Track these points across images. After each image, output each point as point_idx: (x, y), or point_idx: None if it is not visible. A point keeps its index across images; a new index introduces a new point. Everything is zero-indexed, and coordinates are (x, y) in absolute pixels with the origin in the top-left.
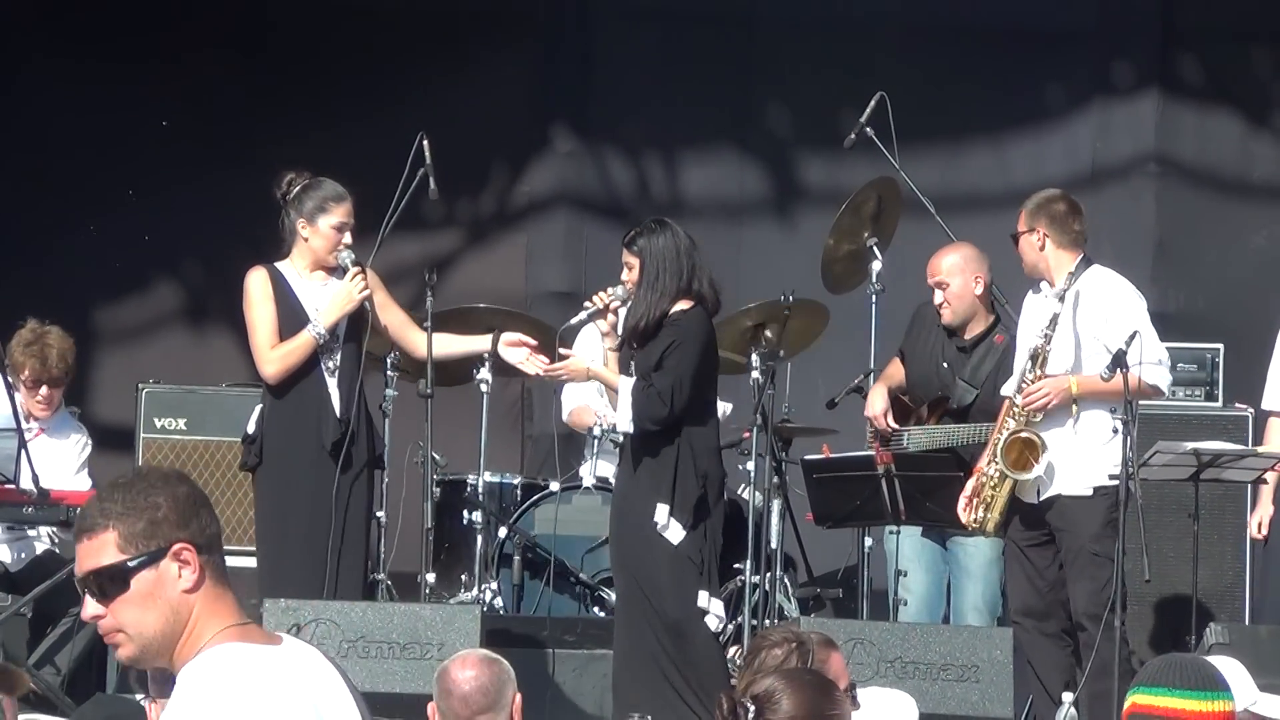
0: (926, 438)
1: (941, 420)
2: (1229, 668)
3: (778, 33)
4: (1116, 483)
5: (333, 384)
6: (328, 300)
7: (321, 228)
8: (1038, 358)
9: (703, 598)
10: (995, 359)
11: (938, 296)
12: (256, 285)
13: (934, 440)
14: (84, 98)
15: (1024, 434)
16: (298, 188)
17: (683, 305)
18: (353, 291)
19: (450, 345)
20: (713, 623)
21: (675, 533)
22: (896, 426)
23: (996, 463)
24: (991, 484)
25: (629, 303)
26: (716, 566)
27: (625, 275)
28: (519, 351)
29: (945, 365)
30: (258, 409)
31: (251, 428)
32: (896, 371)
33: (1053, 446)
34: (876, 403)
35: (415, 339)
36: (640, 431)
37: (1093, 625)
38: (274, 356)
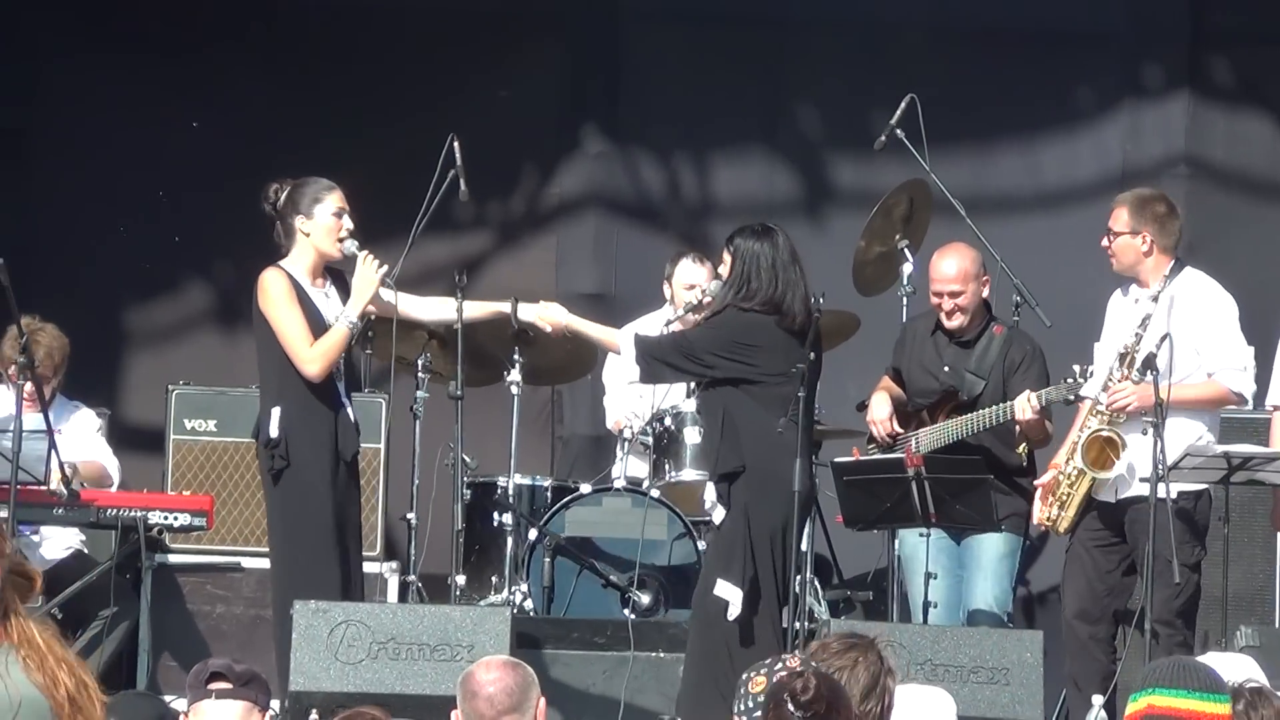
0: (937, 435)
1: (950, 415)
2: (1244, 665)
3: (808, 34)
4: (1199, 487)
5: (342, 388)
6: (353, 289)
7: (320, 218)
8: (1126, 357)
9: (721, 586)
10: (998, 348)
11: (946, 303)
12: (280, 285)
13: (946, 435)
14: (113, 99)
15: (1105, 433)
16: (285, 191)
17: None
18: (371, 274)
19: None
20: (731, 612)
21: (717, 513)
22: (901, 431)
23: (1075, 460)
24: (1069, 482)
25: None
26: (746, 556)
27: (721, 269)
28: (533, 310)
29: (947, 368)
30: (277, 411)
31: (275, 431)
32: (891, 386)
33: (1135, 448)
34: (880, 408)
35: (409, 302)
36: (646, 376)
37: (1165, 631)
38: (315, 354)
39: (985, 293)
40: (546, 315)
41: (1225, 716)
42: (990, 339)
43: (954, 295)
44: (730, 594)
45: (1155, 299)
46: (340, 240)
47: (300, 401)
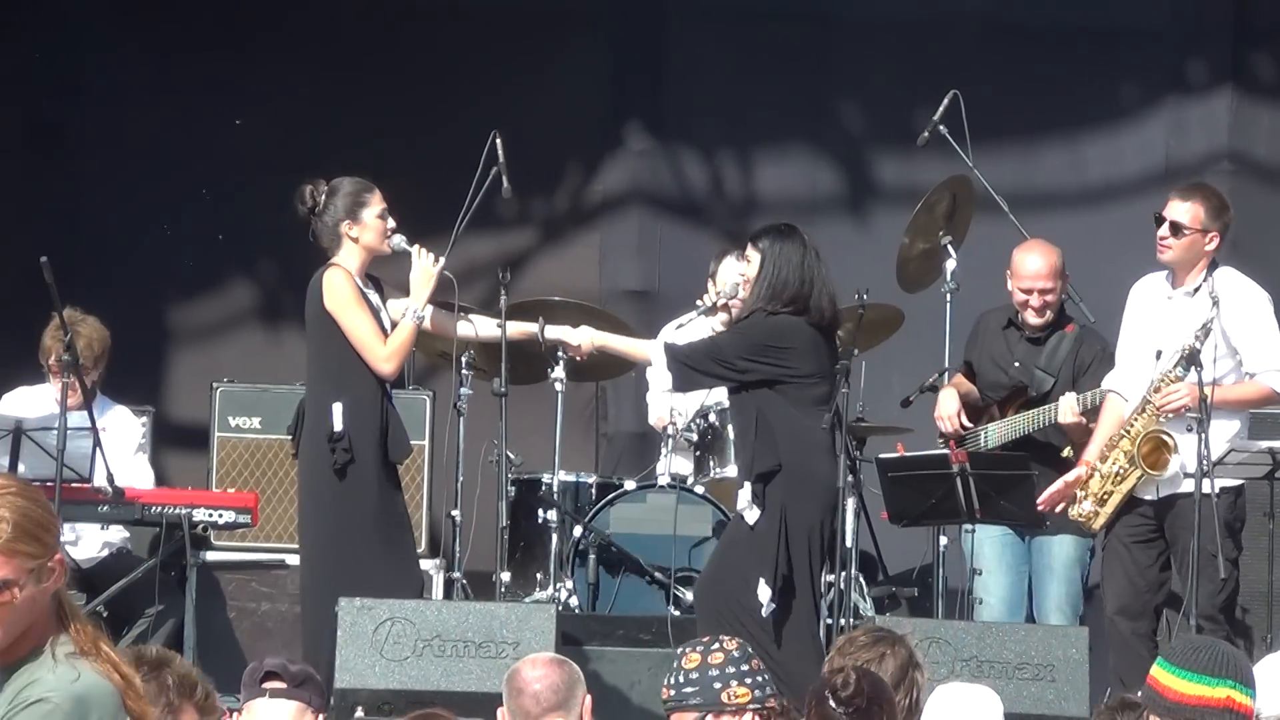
0: (1006, 429)
1: (1018, 411)
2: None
3: (851, 30)
4: (1237, 483)
5: (387, 384)
6: (413, 283)
7: (367, 221)
8: (1183, 358)
9: (762, 587)
10: (1069, 346)
11: (1035, 300)
12: (348, 285)
13: (1014, 430)
14: (156, 95)
15: (1162, 434)
16: (323, 194)
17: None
18: (428, 266)
19: (490, 330)
20: (766, 608)
21: (751, 513)
22: (970, 425)
23: (1119, 459)
24: (1112, 480)
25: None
26: (782, 555)
27: (744, 268)
28: (560, 330)
29: (1018, 364)
30: (339, 406)
31: (339, 425)
32: (962, 382)
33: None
34: (949, 403)
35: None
36: (680, 385)
37: (1209, 626)
38: (389, 353)
39: (1065, 291)
40: (574, 336)
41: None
42: (1062, 337)
43: (1044, 292)
44: (763, 593)
45: (1199, 295)
46: (386, 239)
47: (361, 398)
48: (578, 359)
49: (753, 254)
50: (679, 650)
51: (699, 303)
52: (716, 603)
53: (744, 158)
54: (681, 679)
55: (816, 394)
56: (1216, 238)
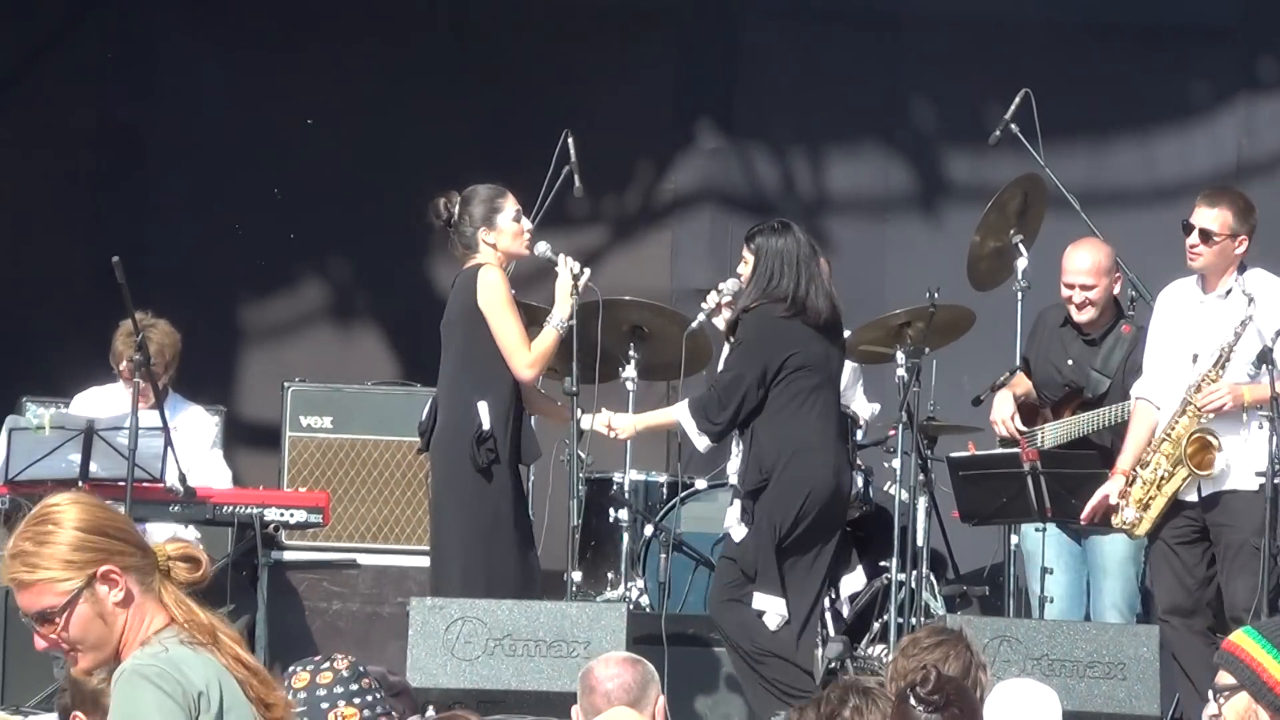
0: (1060, 431)
1: (1075, 413)
2: None
3: (923, 29)
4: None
5: (520, 388)
6: (558, 292)
7: (504, 225)
8: (1221, 358)
9: (759, 599)
10: (1125, 348)
11: (1077, 296)
12: (503, 286)
13: (1068, 432)
14: (229, 97)
15: (1207, 435)
16: (456, 204)
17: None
18: (573, 272)
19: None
20: (772, 621)
21: (737, 531)
22: (1024, 429)
23: (1163, 463)
24: (1155, 483)
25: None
26: (773, 560)
27: (740, 268)
28: (601, 417)
29: (1071, 362)
30: (484, 405)
31: (487, 424)
32: (1023, 382)
33: (1226, 445)
34: (1003, 407)
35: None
36: (715, 437)
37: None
38: (534, 358)
39: (1116, 290)
40: (614, 424)
41: None
42: (1118, 337)
43: (1085, 288)
44: (769, 604)
45: (1231, 297)
46: (527, 237)
47: (501, 400)
48: (616, 438)
49: (747, 254)
50: (290, 670)
51: (703, 304)
52: (721, 621)
53: (815, 156)
54: (292, 698)
55: (805, 385)
56: (1245, 240)
